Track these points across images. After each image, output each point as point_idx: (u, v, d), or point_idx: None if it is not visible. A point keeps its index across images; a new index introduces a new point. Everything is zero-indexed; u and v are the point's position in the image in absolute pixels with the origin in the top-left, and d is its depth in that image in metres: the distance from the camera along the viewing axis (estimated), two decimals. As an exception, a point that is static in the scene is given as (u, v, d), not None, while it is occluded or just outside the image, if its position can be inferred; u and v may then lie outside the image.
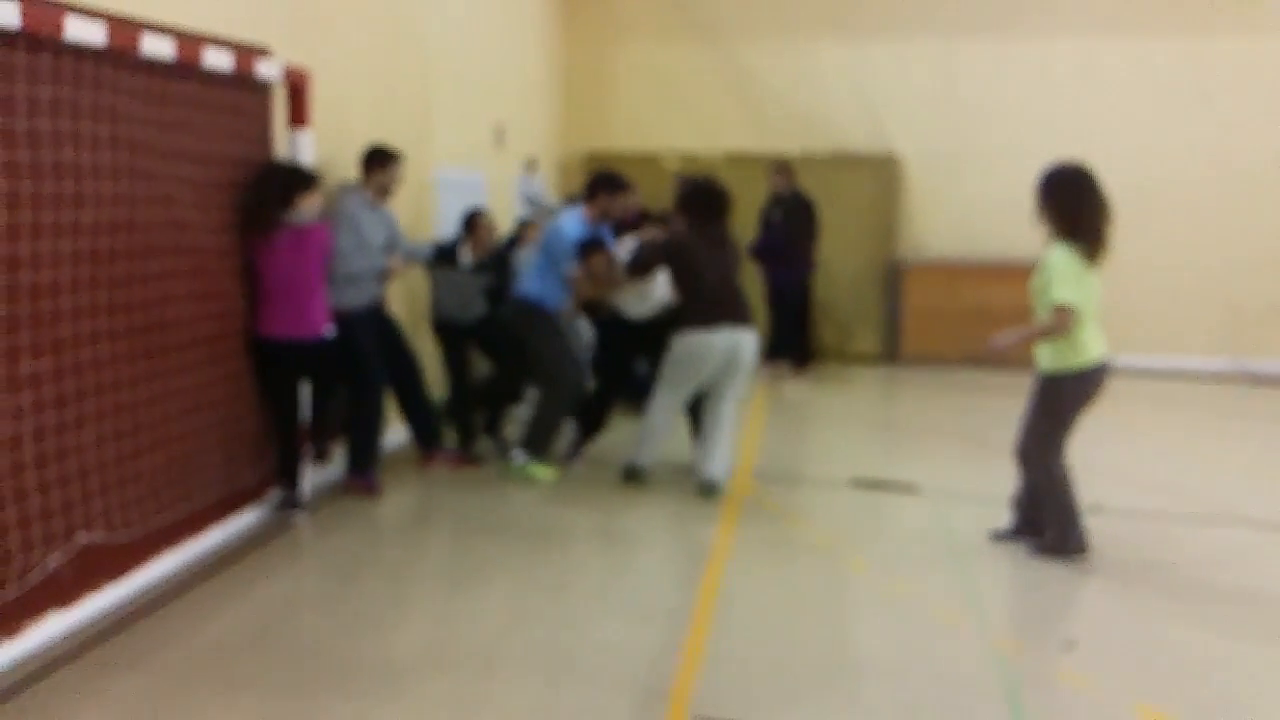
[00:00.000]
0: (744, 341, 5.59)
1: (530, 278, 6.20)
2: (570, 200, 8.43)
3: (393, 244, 5.93)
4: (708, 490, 5.70)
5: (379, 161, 5.72)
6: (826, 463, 6.63)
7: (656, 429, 5.83)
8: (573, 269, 6.00)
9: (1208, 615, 4.25)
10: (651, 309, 6.10)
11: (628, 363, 6.60)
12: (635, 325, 6.25)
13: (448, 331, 6.62)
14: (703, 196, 5.74)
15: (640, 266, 5.79)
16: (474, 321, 6.55)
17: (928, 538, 5.19)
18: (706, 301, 5.54)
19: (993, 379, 9.04)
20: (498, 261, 6.71)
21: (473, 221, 6.50)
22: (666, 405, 5.80)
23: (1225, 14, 9.94)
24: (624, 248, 6.15)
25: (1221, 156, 10.02)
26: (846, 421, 8.09)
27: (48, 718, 3.29)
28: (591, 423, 6.42)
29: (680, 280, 5.63)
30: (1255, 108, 9.98)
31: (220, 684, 3.55)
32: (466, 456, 6.37)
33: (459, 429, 6.55)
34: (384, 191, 5.78)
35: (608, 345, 6.58)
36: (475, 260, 6.47)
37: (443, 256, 6.45)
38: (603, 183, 6.15)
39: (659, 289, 6.01)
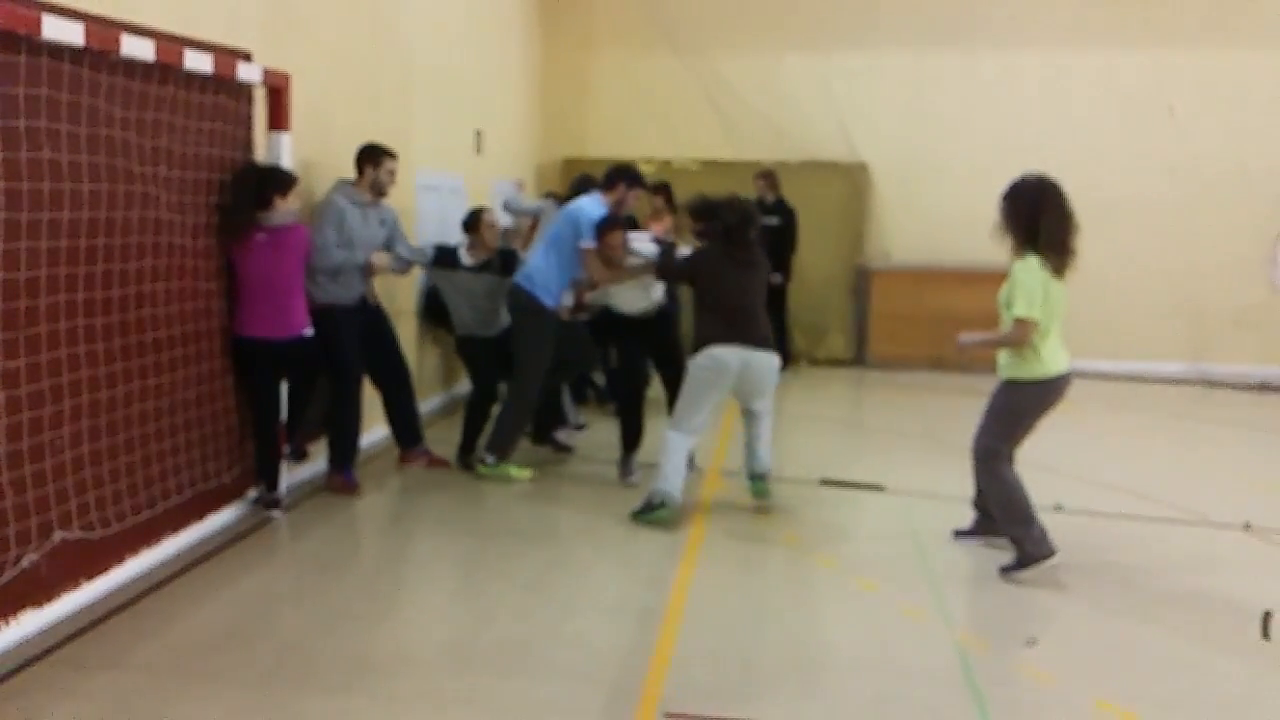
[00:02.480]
0: (755, 361, 5.36)
1: (533, 263, 6.06)
2: (549, 197, 8.48)
3: (392, 243, 5.96)
4: (757, 482, 5.64)
5: (371, 158, 5.73)
6: (796, 463, 6.71)
7: (673, 459, 5.41)
8: (588, 244, 5.83)
9: (1166, 614, 4.36)
10: (648, 308, 6.10)
11: (639, 362, 6.32)
12: (632, 323, 6.18)
13: (470, 345, 6.55)
14: (723, 213, 5.53)
15: (669, 271, 5.77)
16: (497, 335, 6.39)
17: (893, 536, 5.30)
18: (721, 320, 5.36)
19: (957, 382, 9.18)
20: (505, 259, 6.52)
21: (476, 221, 6.42)
22: (682, 435, 5.44)
23: (1188, 28, 10.19)
24: (635, 242, 6.06)
25: (1184, 166, 10.27)
26: (815, 423, 8.20)
27: (23, 715, 3.29)
28: (631, 433, 6.18)
29: (700, 295, 5.50)
30: (1216, 119, 10.25)
31: (196, 679, 3.57)
32: (443, 457, 6.39)
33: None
34: (378, 189, 5.78)
35: (610, 346, 6.47)
36: (478, 261, 6.40)
37: (443, 259, 6.39)
38: (623, 173, 6.04)
39: (657, 288, 6.04)
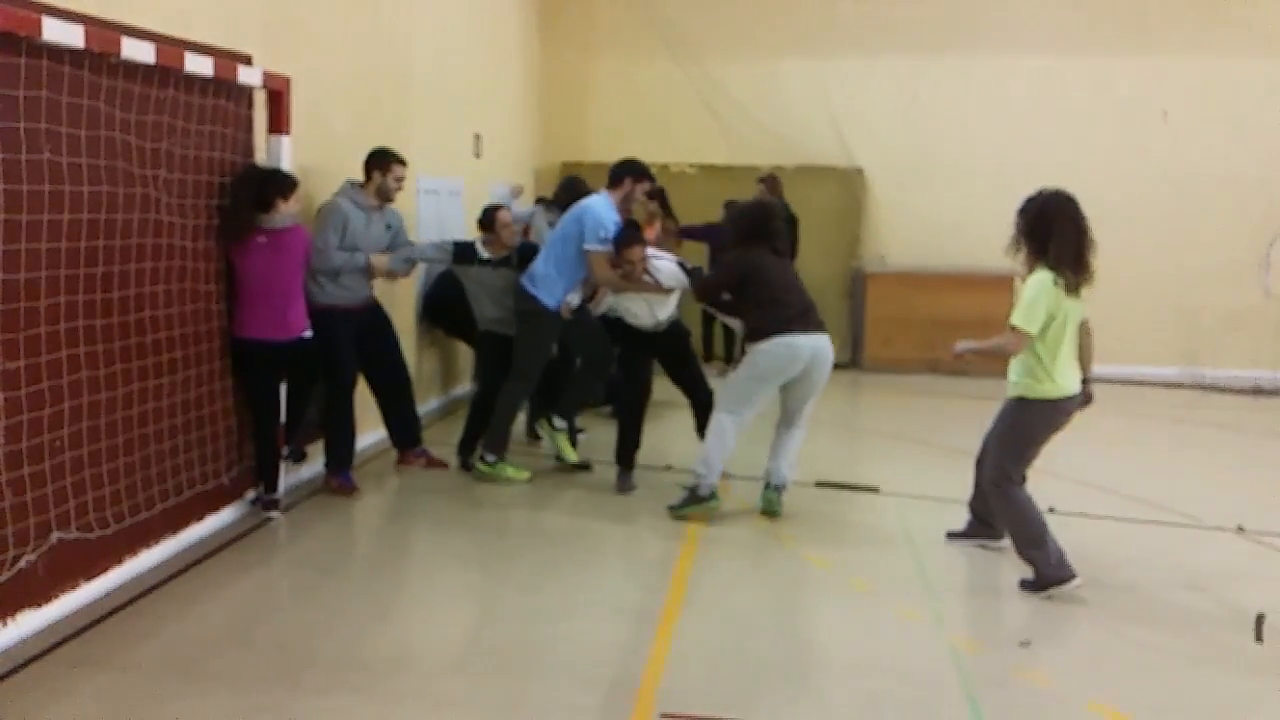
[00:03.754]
0: (821, 346, 5.36)
1: (537, 264, 6.00)
2: (541, 201, 8.50)
3: (396, 246, 5.97)
4: (770, 492, 5.57)
5: (380, 164, 5.75)
6: (792, 466, 6.75)
7: (723, 446, 5.44)
8: (600, 250, 5.75)
9: (1159, 616, 4.39)
10: (655, 325, 6.04)
11: (642, 372, 6.24)
12: (640, 333, 6.10)
13: (488, 341, 6.53)
14: (752, 217, 5.61)
15: (706, 290, 5.78)
16: (513, 335, 6.29)
17: (888, 537, 5.33)
18: (784, 311, 5.33)
19: (951, 385, 9.23)
20: (524, 254, 6.44)
21: (493, 218, 6.39)
22: (736, 421, 5.44)
23: (1182, 34, 10.25)
24: (656, 260, 5.95)
25: (1177, 171, 10.33)
26: (811, 425, 8.18)
27: (22, 715, 3.30)
28: (627, 448, 6.08)
29: (751, 296, 5.44)
30: (1210, 125, 10.30)
31: (194, 680, 3.59)
32: (440, 457, 6.40)
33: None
34: (384, 194, 5.79)
35: (622, 359, 6.36)
36: (496, 256, 6.36)
37: (461, 254, 6.39)
38: (628, 167, 5.95)
39: (666, 306, 6.01)
